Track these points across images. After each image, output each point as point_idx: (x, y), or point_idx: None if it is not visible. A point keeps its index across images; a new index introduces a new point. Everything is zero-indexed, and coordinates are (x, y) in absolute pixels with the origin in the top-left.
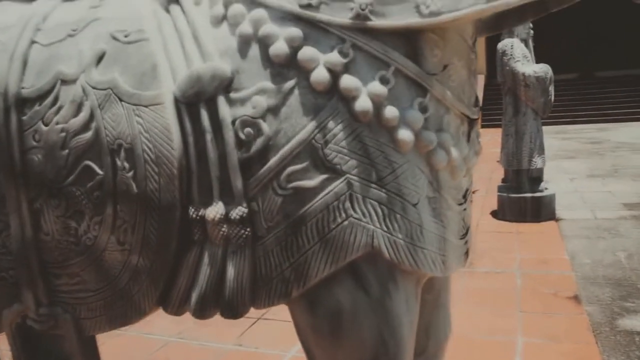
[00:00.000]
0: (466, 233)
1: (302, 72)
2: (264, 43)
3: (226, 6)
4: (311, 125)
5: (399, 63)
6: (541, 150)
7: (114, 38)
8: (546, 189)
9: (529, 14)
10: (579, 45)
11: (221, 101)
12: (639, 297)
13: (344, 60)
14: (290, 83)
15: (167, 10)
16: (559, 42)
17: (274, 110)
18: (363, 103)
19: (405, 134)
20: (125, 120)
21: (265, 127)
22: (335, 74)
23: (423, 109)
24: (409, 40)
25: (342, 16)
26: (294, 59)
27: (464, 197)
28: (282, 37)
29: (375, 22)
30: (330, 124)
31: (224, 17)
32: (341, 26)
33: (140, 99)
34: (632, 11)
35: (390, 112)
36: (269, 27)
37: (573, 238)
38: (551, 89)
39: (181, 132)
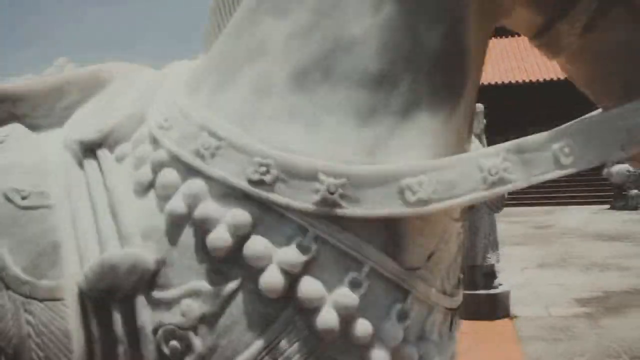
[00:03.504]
0: None
1: (249, 271)
2: (201, 227)
3: (155, 170)
4: (258, 343)
5: (374, 261)
6: (495, 246)
7: (8, 199)
8: (500, 284)
9: None
10: (525, 132)
11: (140, 302)
12: None
13: (304, 258)
14: (232, 285)
15: (81, 165)
16: (507, 129)
17: (209, 320)
18: (327, 317)
19: (379, 356)
20: (11, 317)
21: (197, 342)
22: (292, 277)
23: (402, 317)
24: (388, 229)
25: (304, 199)
26: (239, 253)
27: None
28: (224, 221)
29: (347, 209)
30: (283, 344)
31: (151, 185)
32: (302, 212)
33: (33, 290)
34: (579, 102)
35: (362, 328)
36: (208, 207)
37: (530, 340)
38: None
39: (85, 341)
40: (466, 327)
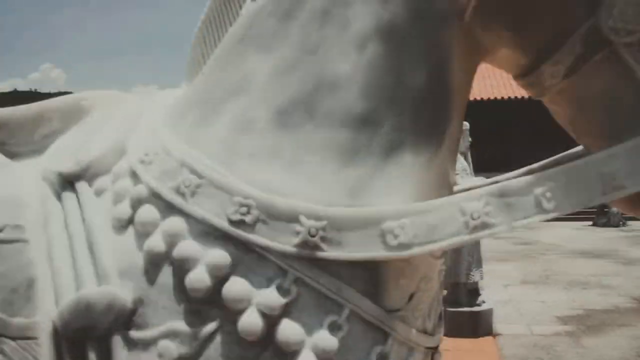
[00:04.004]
0: None
1: (228, 312)
2: (180, 267)
3: (134, 206)
4: None
5: (354, 304)
6: (479, 264)
7: None
8: (483, 302)
9: None
10: (511, 146)
11: (117, 341)
12: None
13: (284, 300)
14: (210, 326)
15: (59, 198)
16: (493, 143)
17: None
18: None
19: None
20: None
21: None
22: (271, 319)
23: (382, 359)
24: (368, 272)
25: (284, 241)
26: (218, 294)
27: None
28: (204, 261)
29: (328, 252)
30: None
31: (130, 221)
32: (283, 253)
33: (5, 328)
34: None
35: None
36: (187, 246)
37: (512, 359)
38: None
39: None
40: (449, 345)
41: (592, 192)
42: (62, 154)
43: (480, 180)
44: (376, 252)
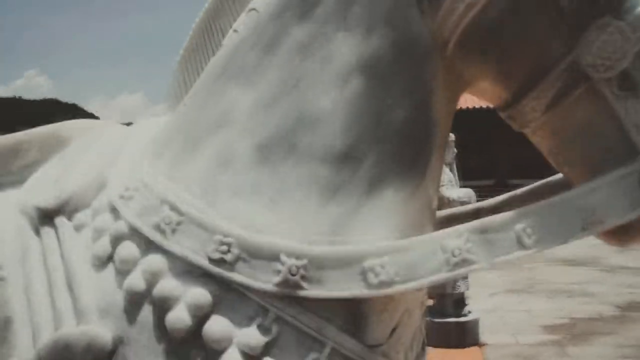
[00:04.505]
0: None
1: (209, 352)
2: (160, 306)
3: (114, 243)
4: None
5: (335, 341)
6: (465, 275)
7: None
8: (470, 312)
9: None
10: (496, 155)
11: None
12: None
13: (265, 339)
14: None
15: (38, 232)
16: (479, 151)
17: None
18: None
19: None
20: None
21: None
22: (252, 358)
23: None
24: (349, 309)
25: (265, 279)
26: (198, 334)
27: None
28: (184, 300)
29: (308, 291)
30: None
31: (110, 258)
32: (264, 292)
33: None
34: None
35: None
36: (168, 285)
37: None
38: None
39: None
40: (435, 355)
41: (572, 227)
42: (41, 187)
43: (466, 192)
44: (357, 290)
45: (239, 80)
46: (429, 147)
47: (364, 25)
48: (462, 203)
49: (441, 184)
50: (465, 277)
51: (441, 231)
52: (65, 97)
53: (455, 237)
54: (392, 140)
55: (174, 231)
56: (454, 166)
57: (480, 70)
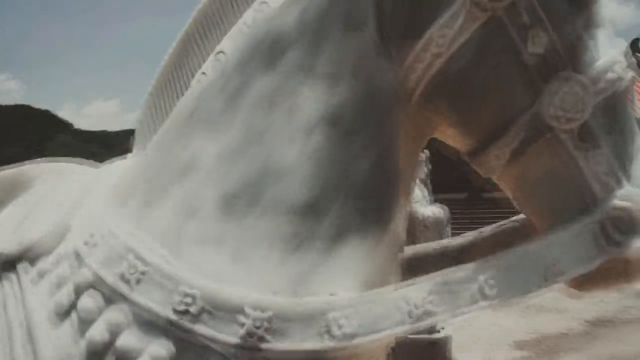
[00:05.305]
0: None
1: None
2: (123, 358)
3: (77, 292)
4: None
5: None
6: None
7: None
8: (442, 328)
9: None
10: (468, 168)
11: None
12: None
13: None
14: None
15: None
16: (451, 165)
17: None
18: None
19: None
20: None
21: None
22: None
23: None
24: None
25: (229, 332)
26: None
27: None
28: (148, 353)
29: (272, 343)
30: None
31: (73, 308)
32: (228, 344)
33: None
34: None
35: None
36: (131, 337)
37: None
38: (448, 229)
39: None
40: None
41: (533, 279)
42: (4, 231)
43: (439, 209)
44: (321, 343)
45: (205, 128)
46: (394, 197)
47: (331, 76)
48: (436, 220)
49: (414, 201)
50: None
51: (405, 283)
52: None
53: (418, 290)
54: (356, 191)
55: (138, 281)
56: (428, 183)
57: (445, 119)
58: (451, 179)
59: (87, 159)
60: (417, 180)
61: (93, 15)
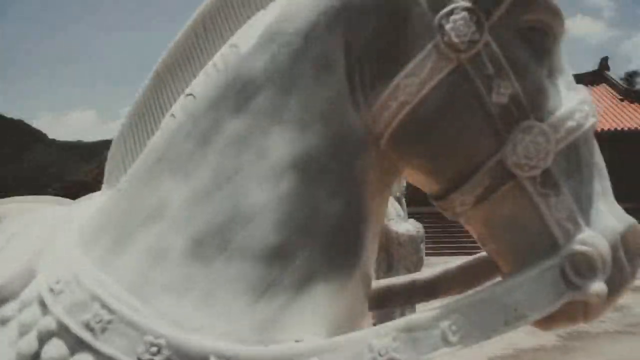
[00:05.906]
0: None
1: None
2: None
3: (42, 340)
4: None
5: None
6: (412, 309)
7: None
8: None
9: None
10: None
11: None
12: None
13: None
14: None
15: None
16: None
17: None
18: None
19: None
20: None
21: None
22: None
23: None
24: None
25: None
26: None
27: None
28: None
29: None
30: None
31: (37, 357)
32: None
33: None
34: None
35: None
36: None
37: None
38: (422, 246)
39: None
40: None
41: (494, 322)
42: None
43: (414, 226)
44: None
45: (173, 171)
46: (362, 239)
47: (300, 120)
48: (410, 237)
49: (389, 218)
50: (412, 311)
51: (369, 329)
52: (12, 113)
53: (383, 336)
54: (324, 235)
55: (103, 330)
56: (403, 200)
57: (411, 163)
58: (424, 192)
59: (63, 168)
60: (391, 198)
61: (73, 29)
